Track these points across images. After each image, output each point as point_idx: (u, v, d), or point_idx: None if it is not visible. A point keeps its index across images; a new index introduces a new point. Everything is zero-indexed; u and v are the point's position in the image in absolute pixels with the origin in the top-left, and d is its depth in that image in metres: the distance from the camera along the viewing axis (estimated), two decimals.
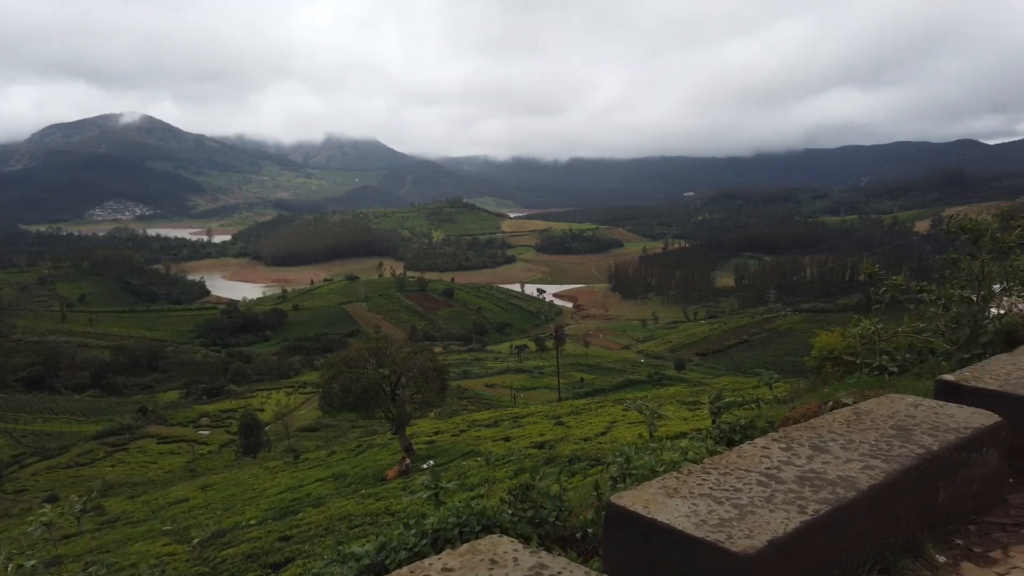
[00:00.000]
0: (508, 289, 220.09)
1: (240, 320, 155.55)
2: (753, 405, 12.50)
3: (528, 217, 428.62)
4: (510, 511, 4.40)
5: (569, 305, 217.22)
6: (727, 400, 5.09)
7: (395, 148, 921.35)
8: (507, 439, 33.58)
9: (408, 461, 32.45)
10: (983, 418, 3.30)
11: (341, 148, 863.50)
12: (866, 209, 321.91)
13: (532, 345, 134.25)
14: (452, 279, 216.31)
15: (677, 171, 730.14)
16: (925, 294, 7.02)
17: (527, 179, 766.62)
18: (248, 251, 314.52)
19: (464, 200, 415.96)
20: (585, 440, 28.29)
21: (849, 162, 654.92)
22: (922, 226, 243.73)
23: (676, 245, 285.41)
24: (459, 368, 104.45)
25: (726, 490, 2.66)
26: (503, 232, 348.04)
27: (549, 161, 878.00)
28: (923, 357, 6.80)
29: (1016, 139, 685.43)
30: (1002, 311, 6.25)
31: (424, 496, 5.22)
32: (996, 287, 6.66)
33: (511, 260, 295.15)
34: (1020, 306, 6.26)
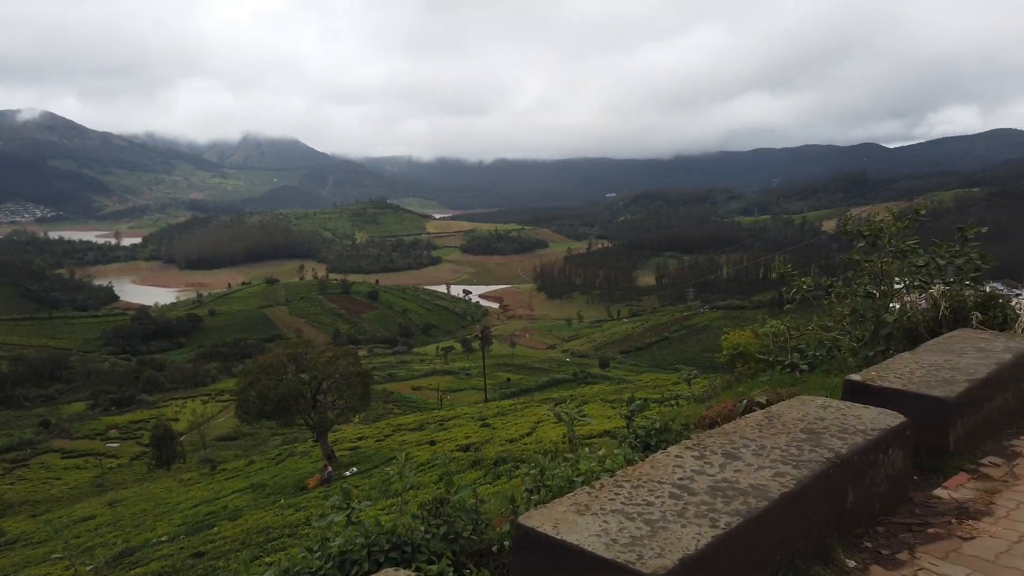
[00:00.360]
0: (434, 290, 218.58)
1: (152, 326, 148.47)
2: (673, 403, 12.69)
3: (453, 218, 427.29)
4: (423, 528, 4.20)
5: (495, 306, 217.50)
6: (640, 403, 5.04)
7: (316, 148, 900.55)
8: (432, 443, 33.18)
9: (330, 469, 31.65)
10: (889, 419, 3.33)
11: (259, 147, 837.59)
12: (777, 209, 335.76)
13: (458, 346, 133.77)
14: (377, 281, 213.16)
15: (600, 172, 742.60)
16: (832, 292, 7.19)
17: (452, 180, 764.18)
18: (160, 254, 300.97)
19: (388, 201, 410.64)
20: (511, 441, 28.25)
21: (761, 164, 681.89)
22: (829, 225, 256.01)
23: (599, 245, 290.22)
24: (384, 371, 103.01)
25: (638, 504, 2.56)
26: (428, 233, 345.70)
27: (474, 162, 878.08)
28: (832, 354, 6.95)
29: (914, 143, 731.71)
30: (901, 305, 6.48)
31: (336, 518, 4.95)
32: (898, 285, 6.83)
33: (437, 261, 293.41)
34: (920, 303, 6.47)
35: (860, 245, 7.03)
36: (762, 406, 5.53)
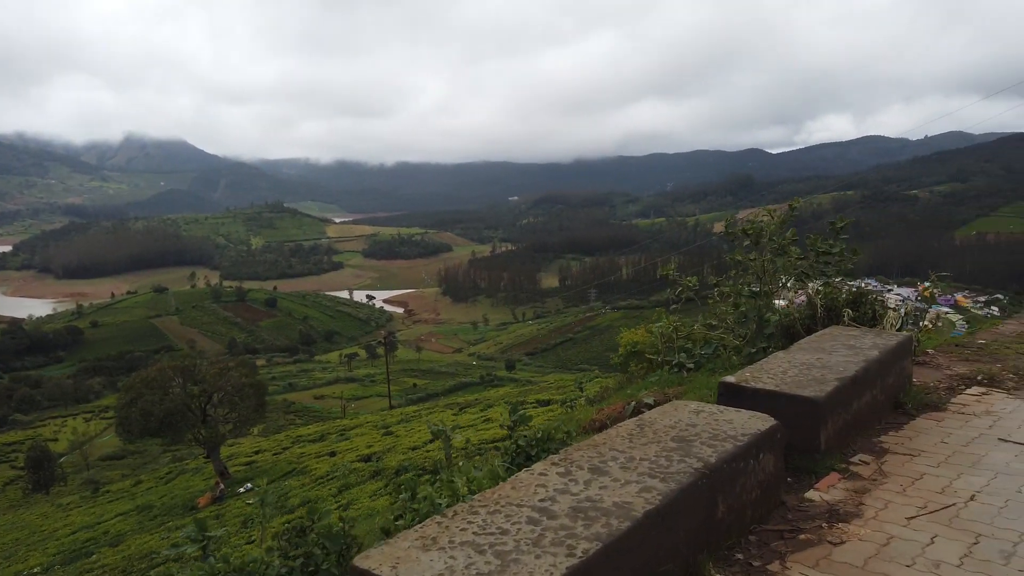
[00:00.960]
0: (336, 296, 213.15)
1: (26, 340, 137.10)
2: (570, 406, 12.59)
3: (355, 222, 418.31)
4: (279, 561, 3.82)
5: (400, 310, 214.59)
6: (522, 414, 4.82)
7: (205, 149, 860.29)
8: (332, 454, 32.09)
9: (222, 486, 30.06)
10: (760, 422, 3.23)
11: (143, 148, 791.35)
12: (672, 212, 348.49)
13: (362, 353, 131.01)
14: (275, 288, 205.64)
15: (501, 176, 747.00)
16: (717, 291, 7.25)
17: (352, 183, 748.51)
18: (34, 263, 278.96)
19: (285, 205, 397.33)
20: (414, 449, 27.67)
21: (657, 168, 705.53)
22: (720, 227, 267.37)
23: (503, 248, 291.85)
24: (284, 381, 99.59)
25: (492, 533, 2.30)
26: (328, 238, 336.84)
27: (375, 165, 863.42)
28: (718, 352, 6.98)
29: (794, 149, 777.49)
30: (784, 302, 6.61)
31: (190, 551, 4.46)
32: (785, 282, 6.99)
33: (338, 266, 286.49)
34: (798, 300, 6.61)
35: (744, 244, 7.11)
36: (650, 407, 5.43)
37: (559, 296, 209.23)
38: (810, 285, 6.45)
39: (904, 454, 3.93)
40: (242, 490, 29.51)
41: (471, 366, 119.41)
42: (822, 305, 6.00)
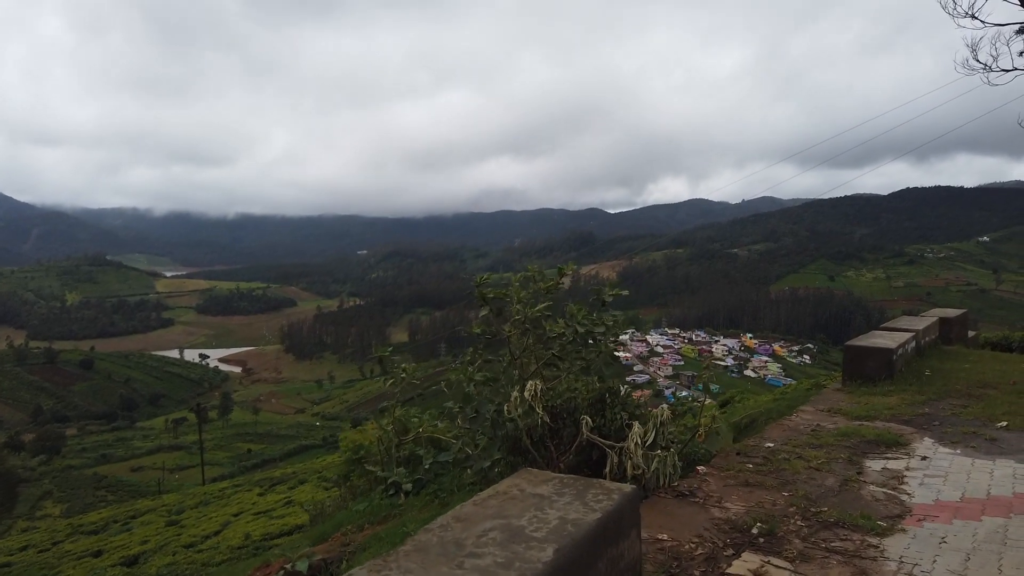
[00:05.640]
0: (164, 356, 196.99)
1: None
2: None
3: (189, 276, 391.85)
4: None
5: (238, 369, 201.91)
6: None
7: (14, 196, 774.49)
8: (98, 553, 26.70)
9: None
10: None
11: None
12: (519, 267, 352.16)
13: (192, 417, 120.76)
14: (92, 348, 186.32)
15: (351, 229, 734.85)
16: (444, 381, 5.82)
17: (188, 235, 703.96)
18: None
19: (108, 257, 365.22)
20: (190, 546, 23.84)
21: (505, 224, 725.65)
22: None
23: (352, 302, 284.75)
24: (96, 452, 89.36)
25: None
26: (158, 292, 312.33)
27: (215, 216, 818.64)
28: (456, 462, 5.70)
29: (632, 209, 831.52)
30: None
31: None
32: (538, 367, 5.47)
33: (168, 323, 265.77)
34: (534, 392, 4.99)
35: (483, 314, 5.70)
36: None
37: (408, 351, 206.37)
38: (530, 385, 4.72)
39: None
40: None
41: (314, 427, 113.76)
42: (545, 410, 4.61)
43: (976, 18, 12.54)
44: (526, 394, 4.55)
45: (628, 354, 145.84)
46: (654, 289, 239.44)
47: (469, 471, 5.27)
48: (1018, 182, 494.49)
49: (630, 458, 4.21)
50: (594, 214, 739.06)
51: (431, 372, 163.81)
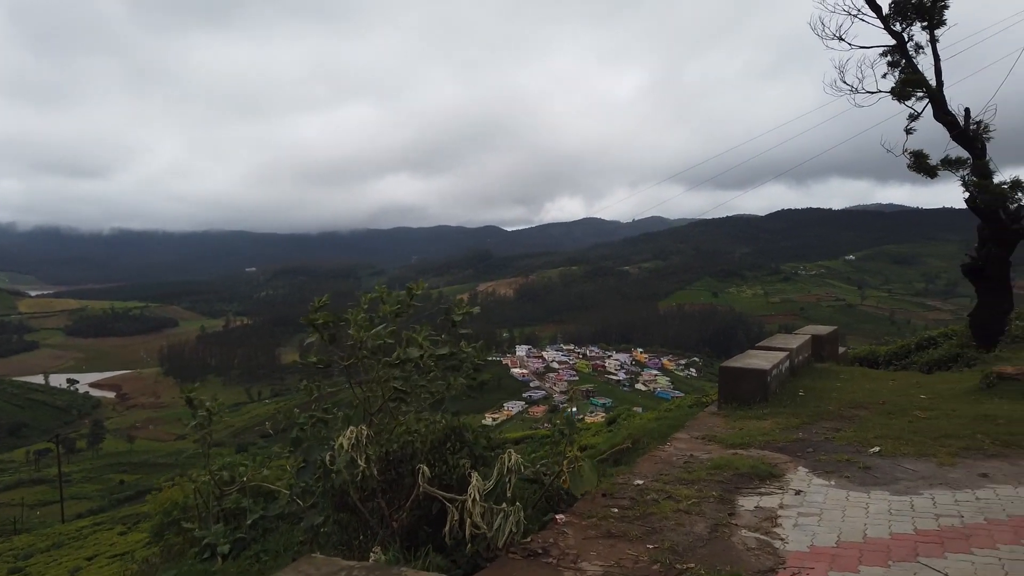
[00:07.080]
0: (27, 382, 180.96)
1: None
2: None
3: (57, 295, 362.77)
4: None
5: (111, 395, 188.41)
6: None
7: None
8: None
9: None
10: None
11: None
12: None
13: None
14: None
15: (240, 246, 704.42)
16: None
17: (57, 251, 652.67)
18: None
19: None
20: None
21: (402, 242, 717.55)
22: (462, 299, 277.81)
23: (239, 322, 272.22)
24: None
25: None
26: (21, 313, 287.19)
27: (88, 231, 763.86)
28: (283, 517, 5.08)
29: (529, 227, 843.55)
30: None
31: None
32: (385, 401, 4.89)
33: (32, 347, 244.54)
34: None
35: (309, 341, 4.96)
36: None
37: (299, 372, 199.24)
38: (350, 431, 4.06)
39: None
40: None
41: (197, 453, 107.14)
42: (380, 458, 4.05)
43: (844, 40, 12.97)
44: (345, 442, 3.83)
45: (525, 370, 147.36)
46: (550, 306, 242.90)
47: (297, 530, 4.45)
48: (879, 204, 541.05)
49: (469, 515, 3.56)
50: (492, 232, 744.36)
51: (325, 393, 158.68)
